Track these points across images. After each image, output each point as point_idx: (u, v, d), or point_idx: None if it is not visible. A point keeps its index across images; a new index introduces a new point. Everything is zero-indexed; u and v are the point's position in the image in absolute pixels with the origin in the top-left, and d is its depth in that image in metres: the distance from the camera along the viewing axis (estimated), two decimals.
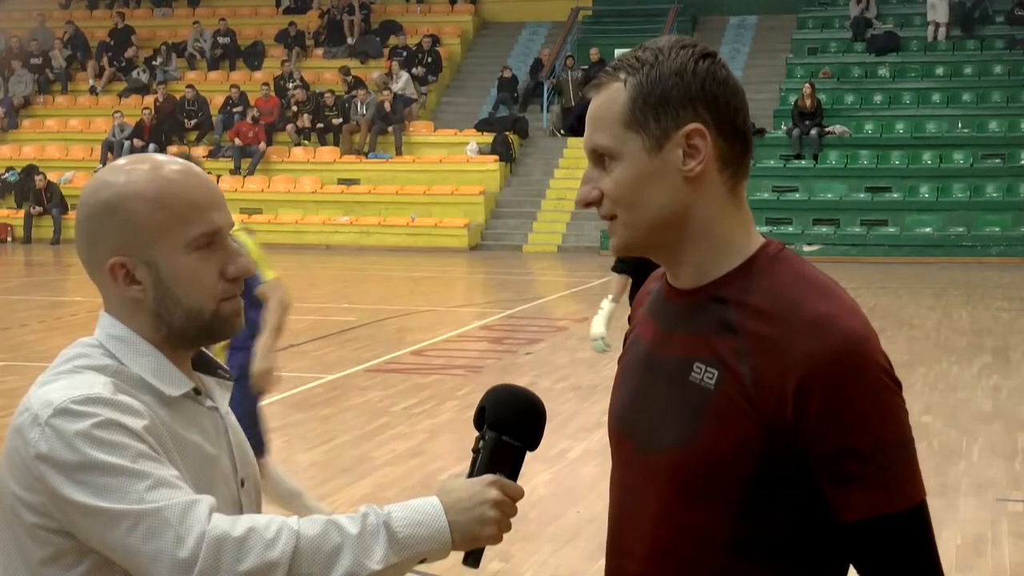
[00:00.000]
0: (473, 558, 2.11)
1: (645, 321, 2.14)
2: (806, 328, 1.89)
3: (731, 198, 2.01)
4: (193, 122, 28.71)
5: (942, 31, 27.79)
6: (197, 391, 2.17)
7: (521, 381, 12.19)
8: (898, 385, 1.93)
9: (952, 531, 6.98)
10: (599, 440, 8.98)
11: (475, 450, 2.14)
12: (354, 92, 28.03)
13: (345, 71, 28.77)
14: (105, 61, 31.42)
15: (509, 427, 2.13)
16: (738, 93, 1.99)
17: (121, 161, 2.17)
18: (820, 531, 1.94)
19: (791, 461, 1.90)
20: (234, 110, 28.44)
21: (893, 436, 1.90)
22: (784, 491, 1.92)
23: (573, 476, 8.16)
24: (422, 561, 2.04)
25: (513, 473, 2.12)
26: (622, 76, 1.99)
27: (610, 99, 1.99)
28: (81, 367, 2.08)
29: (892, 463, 1.89)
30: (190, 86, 29.29)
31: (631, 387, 2.12)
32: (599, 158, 2.00)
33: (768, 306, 1.93)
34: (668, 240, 2.00)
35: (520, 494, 2.11)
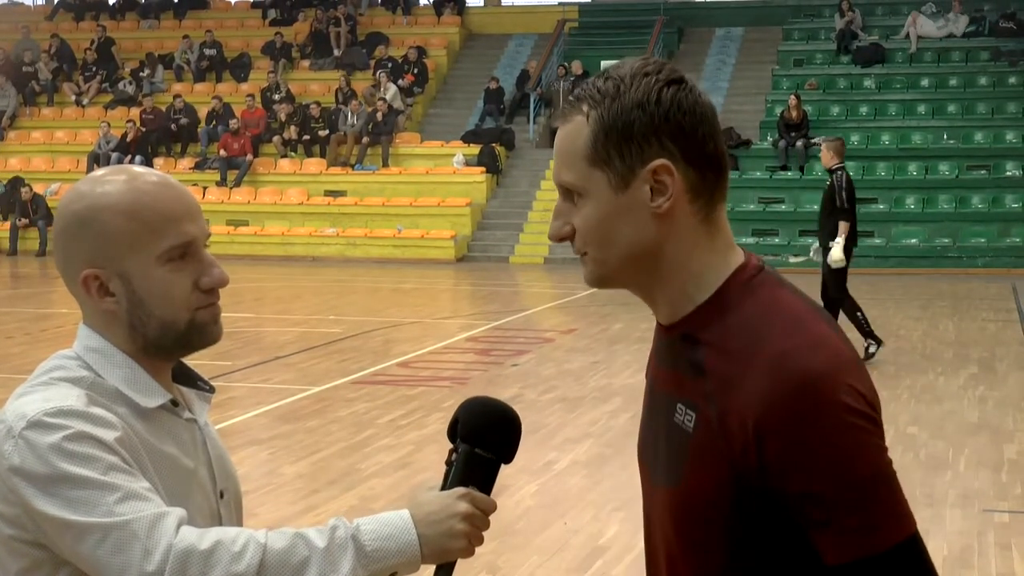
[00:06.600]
0: (444, 572, 2.09)
1: (652, 352, 2.11)
2: (763, 367, 1.82)
3: (704, 228, 1.93)
4: (181, 124, 28.65)
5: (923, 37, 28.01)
6: (175, 403, 2.17)
7: (507, 392, 12.14)
8: (870, 420, 1.83)
9: (939, 542, 6.98)
10: (586, 452, 8.97)
11: (448, 462, 2.12)
12: (341, 106, 28.01)
13: (346, 79, 28.72)
14: (91, 73, 31.36)
15: (482, 440, 2.11)
16: (706, 120, 1.90)
17: (98, 172, 2.17)
18: (815, 574, 1.86)
19: (767, 504, 1.84)
20: (221, 124, 28.36)
21: (859, 476, 1.80)
22: (770, 534, 1.86)
23: (560, 488, 8.15)
24: (393, 575, 2.03)
25: (486, 486, 2.10)
26: (584, 108, 1.91)
27: (573, 133, 1.92)
28: (57, 379, 2.09)
29: (862, 504, 1.80)
30: (178, 96, 29.26)
31: (644, 416, 2.11)
32: (568, 193, 1.95)
33: (733, 344, 1.87)
34: (641, 276, 1.95)
35: (492, 507, 2.09)
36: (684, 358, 1.94)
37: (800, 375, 1.80)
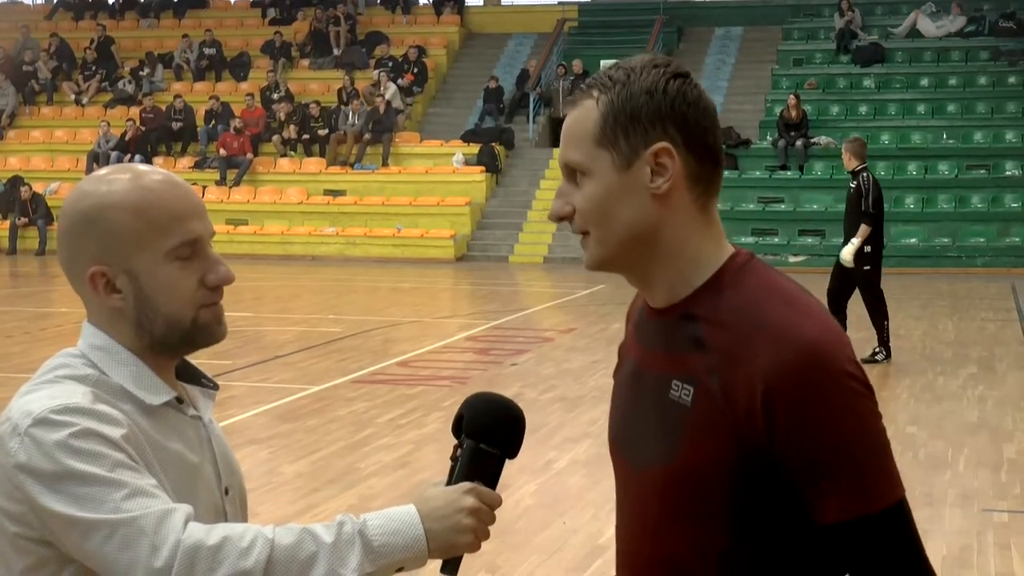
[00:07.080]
0: (451, 566, 2.10)
1: (632, 338, 2.18)
2: (767, 339, 1.91)
3: (701, 215, 2.03)
4: (178, 127, 28.66)
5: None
6: (179, 400, 2.18)
7: (507, 392, 12.09)
8: (867, 388, 1.94)
9: (938, 542, 6.98)
10: (585, 451, 8.97)
11: (453, 458, 2.14)
12: (343, 105, 28.00)
13: (350, 79, 28.69)
14: (91, 72, 31.36)
15: (487, 435, 2.13)
16: (708, 113, 2.02)
17: (103, 171, 2.19)
18: (812, 539, 1.96)
19: (770, 472, 1.93)
20: (221, 123, 28.34)
21: (862, 440, 1.91)
22: (769, 502, 1.94)
23: (559, 487, 8.15)
24: (399, 570, 2.04)
25: (491, 481, 2.12)
26: (595, 94, 2.03)
27: (583, 116, 2.03)
28: (62, 377, 2.09)
29: (863, 467, 1.91)
30: (178, 95, 29.27)
31: (622, 404, 2.16)
32: (572, 173, 2.04)
33: (734, 320, 1.96)
34: (639, 258, 2.03)
35: (498, 502, 2.11)
36: (682, 337, 2.01)
37: (807, 345, 1.91)
